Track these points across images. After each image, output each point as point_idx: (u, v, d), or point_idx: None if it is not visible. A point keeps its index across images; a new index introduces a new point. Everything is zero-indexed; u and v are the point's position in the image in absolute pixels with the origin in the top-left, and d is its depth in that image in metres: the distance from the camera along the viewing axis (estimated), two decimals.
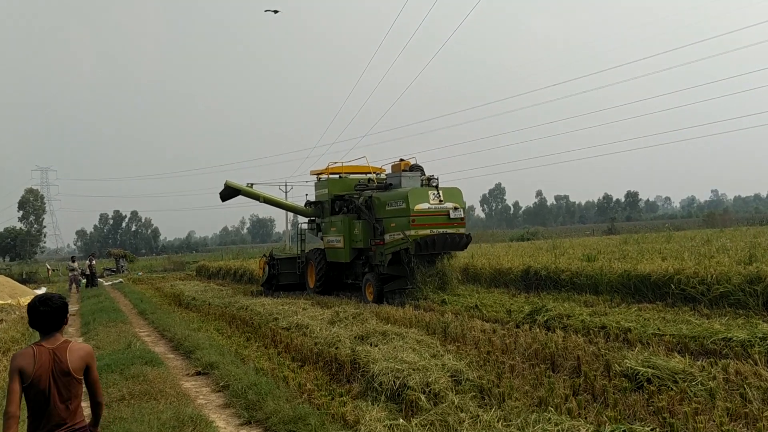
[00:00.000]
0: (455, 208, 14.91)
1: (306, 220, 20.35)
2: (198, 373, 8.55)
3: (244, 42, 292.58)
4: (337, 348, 8.47)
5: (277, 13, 29.43)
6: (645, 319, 9.29)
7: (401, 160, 17.05)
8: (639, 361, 6.36)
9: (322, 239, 18.62)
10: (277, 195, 24.47)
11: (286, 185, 49.01)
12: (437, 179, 15.78)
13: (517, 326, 9.80)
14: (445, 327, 9.72)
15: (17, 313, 17.22)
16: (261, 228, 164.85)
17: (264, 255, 20.93)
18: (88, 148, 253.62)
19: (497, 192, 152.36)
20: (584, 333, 8.75)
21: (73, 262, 31.49)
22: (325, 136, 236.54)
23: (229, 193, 19.30)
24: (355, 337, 8.98)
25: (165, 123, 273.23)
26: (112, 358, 8.80)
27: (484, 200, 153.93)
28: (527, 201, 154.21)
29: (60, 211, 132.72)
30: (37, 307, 3.32)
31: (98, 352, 9.51)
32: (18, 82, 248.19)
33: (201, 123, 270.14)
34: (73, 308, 19.27)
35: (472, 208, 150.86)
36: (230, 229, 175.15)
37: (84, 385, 3.44)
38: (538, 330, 9.09)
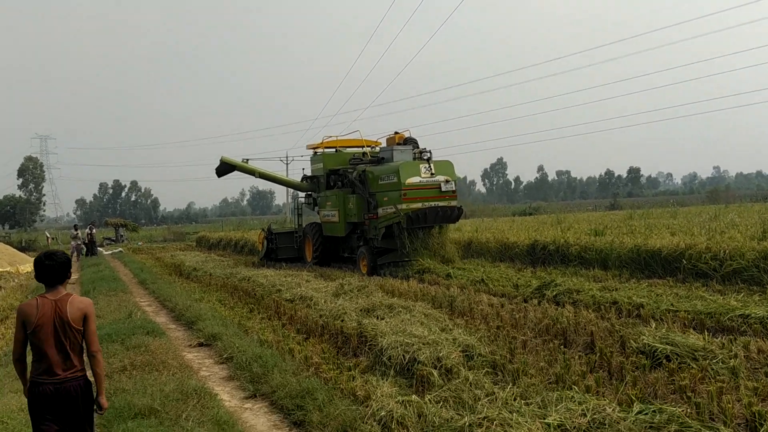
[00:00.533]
0: (447, 181, 14.80)
1: (303, 194, 20.20)
2: (200, 345, 8.39)
3: (248, 11, 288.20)
4: (342, 321, 8.29)
5: None
6: (657, 295, 9.08)
7: (396, 133, 16.81)
8: (657, 338, 6.15)
9: (318, 213, 18.51)
10: (277, 168, 24.27)
11: (287, 158, 48.37)
12: (429, 152, 15.56)
13: (525, 301, 9.62)
14: (452, 301, 9.54)
15: (16, 280, 17.07)
16: (261, 200, 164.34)
17: (263, 229, 20.87)
18: (88, 117, 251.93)
19: (498, 167, 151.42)
20: (595, 308, 8.56)
21: (76, 230, 31.23)
22: (328, 108, 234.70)
23: (225, 168, 19.44)
24: (360, 310, 8.80)
25: (165, 93, 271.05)
26: (113, 328, 8.65)
27: (485, 175, 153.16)
28: (528, 176, 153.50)
29: (59, 179, 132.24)
30: (42, 262, 3.56)
31: (99, 321, 9.32)
32: (18, 48, 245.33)
33: (201, 93, 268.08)
34: (72, 277, 19.13)
35: (473, 182, 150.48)
36: (230, 200, 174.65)
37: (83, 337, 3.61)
38: (547, 305, 8.89)
